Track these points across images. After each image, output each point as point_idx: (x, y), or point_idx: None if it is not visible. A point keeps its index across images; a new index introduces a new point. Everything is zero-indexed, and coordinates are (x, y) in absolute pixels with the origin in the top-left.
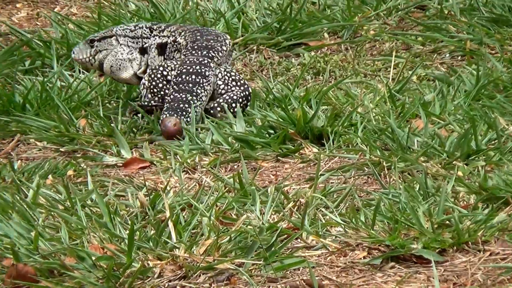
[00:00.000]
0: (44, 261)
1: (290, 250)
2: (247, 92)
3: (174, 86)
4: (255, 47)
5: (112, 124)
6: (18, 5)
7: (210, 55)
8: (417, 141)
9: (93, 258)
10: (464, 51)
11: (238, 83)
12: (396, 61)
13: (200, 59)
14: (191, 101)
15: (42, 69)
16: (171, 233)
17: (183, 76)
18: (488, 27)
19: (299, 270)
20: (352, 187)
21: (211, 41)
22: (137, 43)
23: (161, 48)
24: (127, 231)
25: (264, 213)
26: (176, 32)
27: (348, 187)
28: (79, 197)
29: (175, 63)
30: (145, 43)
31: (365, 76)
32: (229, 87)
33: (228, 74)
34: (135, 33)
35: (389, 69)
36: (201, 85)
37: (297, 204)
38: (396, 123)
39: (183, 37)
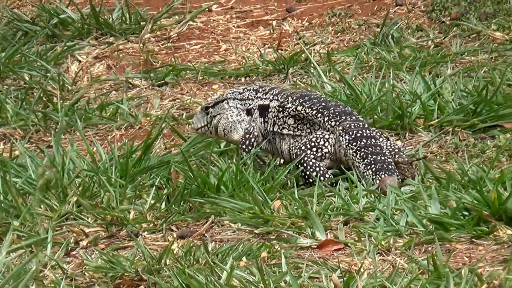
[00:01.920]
0: None
1: None
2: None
3: (364, 150)
4: (450, 129)
5: (307, 206)
6: (214, 86)
7: (360, 119)
8: None
9: None
10: None
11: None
12: None
13: (360, 124)
14: (391, 162)
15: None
16: None
17: (365, 141)
18: None
19: None
20: None
21: (341, 106)
22: (244, 104)
23: (262, 110)
24: None
25: None
26: (279, 96)
27: None
28: (273, 279)
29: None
30: (249, 104)
31: None
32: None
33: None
34: (243, 96)
35: None
36: (382, 148)
37: (491, 286)
38: None
39: (297, 103)
